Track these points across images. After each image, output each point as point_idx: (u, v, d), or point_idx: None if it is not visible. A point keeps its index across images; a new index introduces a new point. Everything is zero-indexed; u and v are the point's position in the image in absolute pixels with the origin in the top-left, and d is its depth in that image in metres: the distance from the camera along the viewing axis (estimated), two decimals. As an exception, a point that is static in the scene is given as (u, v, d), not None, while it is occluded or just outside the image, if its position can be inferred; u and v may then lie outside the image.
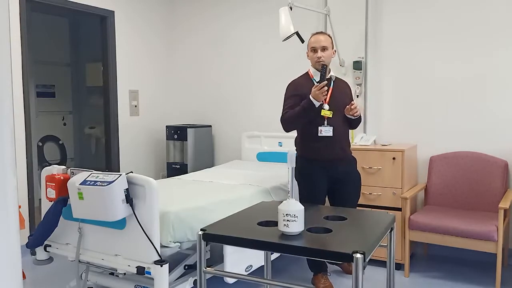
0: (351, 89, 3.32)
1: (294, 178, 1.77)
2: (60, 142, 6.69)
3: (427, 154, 3.94)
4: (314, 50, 3.06)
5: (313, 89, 2.87)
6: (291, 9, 3.58)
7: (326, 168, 3.07)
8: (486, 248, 3.13)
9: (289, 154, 1.75)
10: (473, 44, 3.76)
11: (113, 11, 4.66)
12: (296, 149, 3.20)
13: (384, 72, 4.14)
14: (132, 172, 2.52)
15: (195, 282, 2.80)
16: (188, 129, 4.78)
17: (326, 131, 3.00)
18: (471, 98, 3.79)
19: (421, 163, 3.98)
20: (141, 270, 2.44)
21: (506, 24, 3.63)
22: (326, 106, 3.01)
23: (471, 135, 3.79)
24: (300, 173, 3.08)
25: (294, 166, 1.79)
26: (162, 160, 5.30)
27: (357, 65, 4.15)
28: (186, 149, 4.81)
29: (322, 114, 3.00)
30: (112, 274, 2.87)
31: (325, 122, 3.02)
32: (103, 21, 4.64)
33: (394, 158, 3.54)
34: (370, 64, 4.17)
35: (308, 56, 3.15)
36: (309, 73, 3.17)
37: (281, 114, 3.10)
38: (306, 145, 3.10)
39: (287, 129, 3.09)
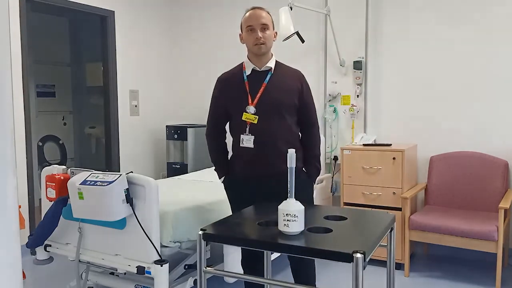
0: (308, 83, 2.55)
1: (293, 178, 1.76)
2: (60, 142, 6.68)
3: (427, 154, 3.94)
4: (252, 29, 2.36)
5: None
6: (291, 9, 3.58)
7: (251, 186, 2.38)
8: (486, 248, 3.13)
9: (289, 154, 1.75)
10: (473, 44, 3.76)
11: (113, 11, 4.66)
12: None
13: (384, 72, 4.14)
14: (132, 172, 2.52)
15: (195, 282, 2.80)
16: (188, 129, 4.77)
17: (247, 140, 2.33)
18: (471, 98, 3.79)
19: (421, 163, 3.98)
20: (141, 270, 2.44)
21: (507, 24, 3.63)
22: (251, 109, 2.32)
23: (471, 135, 3.79)
24: (225, 188, 2.53)
25: (294, 166, 1.78)
26: (162, 160, 5.30)
27: (357, 65, 4.15)
28: (186, 149, 4.81)
29: (243, 118, 2.33)
30: (112, 274, 2.87)
31: (247, 130, 2.33)
32: (103, 21, 4.64)
33: (394, 158, 3.54)
34: (370, 64, 4.17)
35: (241, 39, 2.43)
36: (243, 64, 2.45)
37: (206, 122, 2.53)
38: (231, 157, 2.48)
39: None
